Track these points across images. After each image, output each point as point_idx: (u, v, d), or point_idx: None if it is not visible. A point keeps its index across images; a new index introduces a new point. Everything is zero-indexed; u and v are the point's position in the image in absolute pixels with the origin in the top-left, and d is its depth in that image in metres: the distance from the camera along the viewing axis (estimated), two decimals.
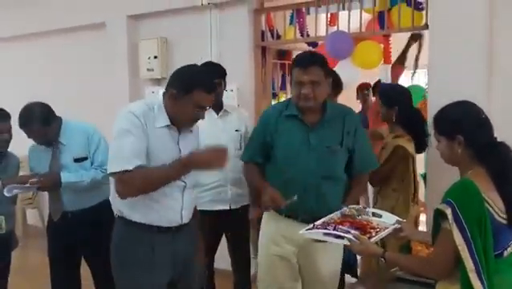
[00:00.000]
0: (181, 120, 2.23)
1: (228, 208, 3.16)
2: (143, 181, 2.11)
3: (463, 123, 1.84)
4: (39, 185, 2.86)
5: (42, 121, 2.87)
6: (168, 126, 2.22)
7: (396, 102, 3.24)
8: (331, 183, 2.46)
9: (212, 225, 3.07)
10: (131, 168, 2.07)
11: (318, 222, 2.25)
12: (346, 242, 2.04)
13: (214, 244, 3.28)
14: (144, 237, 2.25)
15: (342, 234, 2.05)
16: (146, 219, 2.24)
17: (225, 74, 3.23)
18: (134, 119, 2.13)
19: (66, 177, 2.89)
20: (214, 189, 3.14)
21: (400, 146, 3.12)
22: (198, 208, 2.60)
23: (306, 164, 2.44)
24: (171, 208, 2.27)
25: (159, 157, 2.16)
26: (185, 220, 2.33)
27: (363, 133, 2.62)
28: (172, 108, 2.20)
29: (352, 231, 2.08)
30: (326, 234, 2.10)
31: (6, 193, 2.80)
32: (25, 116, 2.88)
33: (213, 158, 2.11)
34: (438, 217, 1.78)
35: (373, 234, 2.07)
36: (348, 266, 3.98)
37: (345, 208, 2.34)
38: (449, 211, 1.71)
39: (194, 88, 2.15)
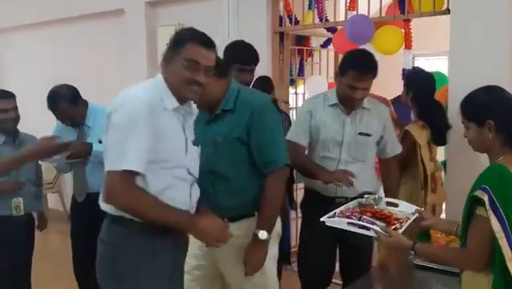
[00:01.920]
0: (177, 89, 1.85)
1: None
2: (144, 201, 1.80)
3: (493, 107, 1.78)
4: (71, 151, 2.91)
5: (69, 100, 2.99)
6: (177, 108, 1.89)
7: (411, 87, 3.22)
8: (216, 180, 2.16)
9: None
10: (140, 170, 1.77)
11: (338, 210, 2.24)
12: (372, 234, 2.01)
13: None
14: (142, 242, 1.87)
15: (368, 225, 2.02)
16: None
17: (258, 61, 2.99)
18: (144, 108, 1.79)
19: (96, 146, 2.97)
20: None
21: (406, 130, 3.09)
22: None
23: (200, 159, 2.09)
24: (177, 205, 1.89)
25: (167, 151, 1.85)
26: None
27: (265, 125, 2.21)
28: (168, 76, 1.87)
29: (377, 222, 2.05)
30: (350, 223, 2.08)
31: (41, 162, 2.87)
32: (53, 96, 2.98)
33: (216, 233, 1.90)
34: (472, 204, 1.72)
35: (398, 226, 2.04)
36: (282, 254, 3.96)
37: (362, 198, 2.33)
38: (486, 198, 1.65)
39: (187, 41, 1.84)
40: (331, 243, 2.73)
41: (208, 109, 2.21)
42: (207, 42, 1.87)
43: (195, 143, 2.01)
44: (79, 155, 2.99)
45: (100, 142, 3.02)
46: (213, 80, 2.13)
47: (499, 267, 1.66)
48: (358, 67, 2.53)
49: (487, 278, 1.70)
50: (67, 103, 2.97)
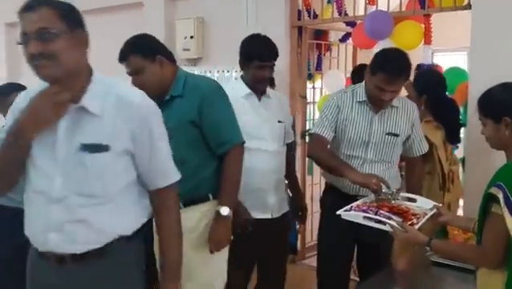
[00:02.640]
0: None
1: (270, 216, 2.72)
2: None
3: (511, 104, 1.78)
4: None
5: None
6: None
7: (425, 91, 3.18)
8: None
9: (249, 236, 2.54)
10: None
11: (355, 204, 2.24)
12: (388, 229, 2.01)
13: (251, 263, 2.86)
14: (28, 259, 1.75)
15: (384, 220, 2.02)
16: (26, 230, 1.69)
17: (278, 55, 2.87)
18: None
19: None
20: (253, 193, 2.64)
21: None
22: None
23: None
24: (34, 222, 1.64)
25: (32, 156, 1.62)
26: (62, 247, 1.60)
27: (217, 107, 2.24)
28: None
29: (394, 217, 2.05)
30: (366, 217, 2.08)
31: None
32: None
33: (37, 106, 1.53)
34: (488, 201, 1.72)
35: (415, 221, 2.04)
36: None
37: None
38: (500, 195, 1.65)
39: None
40: (349, 241, 2.71)
41: (156, 96, 2.03)
42: (24, 7, 1.53)
43: (91, 148, 1.57)
44: None
45: None
46: (167, 65, 2.24)
47: None
48: (389, 69, 2.40)
49: (502, 276, 1.69)
50: None
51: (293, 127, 3.41)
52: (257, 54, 2.69)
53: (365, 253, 2.78)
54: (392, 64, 2.42)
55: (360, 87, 2.64)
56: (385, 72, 2.40)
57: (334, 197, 2.69)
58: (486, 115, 1.84)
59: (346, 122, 2.61)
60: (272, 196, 2.72)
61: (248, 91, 2.70)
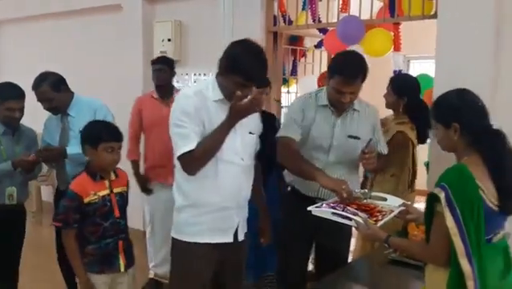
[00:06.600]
0: None
1: (231, 240, 2.33)
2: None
3: (459, 110, 1.84)
4: (42, 157, 3.08)
5: (52, 84, 3.11)
6: None
7: (406, 92, 3.29)
8: None
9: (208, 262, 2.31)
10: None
11: (326, 202, 2.33)
12: (353, 224, 2.11)
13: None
14: None
15: (350, 216, 2.12)
16: None
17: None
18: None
19: (70, 149, 3.08)
20: (217, 213, 2.28)
21: (400, 131, 3.18)
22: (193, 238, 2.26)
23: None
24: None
25: None
26: None
27: None
28: None
29: (360, 214, 2.14)
30: (334, 213, 2.17)
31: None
32: (38, 77, 3.14)
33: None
34: (432, 201, 1.79)
35: (379, 218, 2.15)
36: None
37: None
38: (442, 195, 1.72)
39: None
40: (304, 242, 2.74)
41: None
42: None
43: None
44: (53, 160, 3.18)
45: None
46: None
47: (454, 262, 1.73)
48: (345, 72, 2.43)
49: (446, 272, 1.77)
50: (48, 86, 3.08)
51: None
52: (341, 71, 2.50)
53: (323, 253, 2.79)
54: (348, 68, 2.45)
55: (322, 92, 2.66)
56: (342, 75, 2.43)
57: (292, 200, 2.72)
58: (437, 119, 1.90)
59: (310, 125, 2.63)
60: (236, 216, 2.33)
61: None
